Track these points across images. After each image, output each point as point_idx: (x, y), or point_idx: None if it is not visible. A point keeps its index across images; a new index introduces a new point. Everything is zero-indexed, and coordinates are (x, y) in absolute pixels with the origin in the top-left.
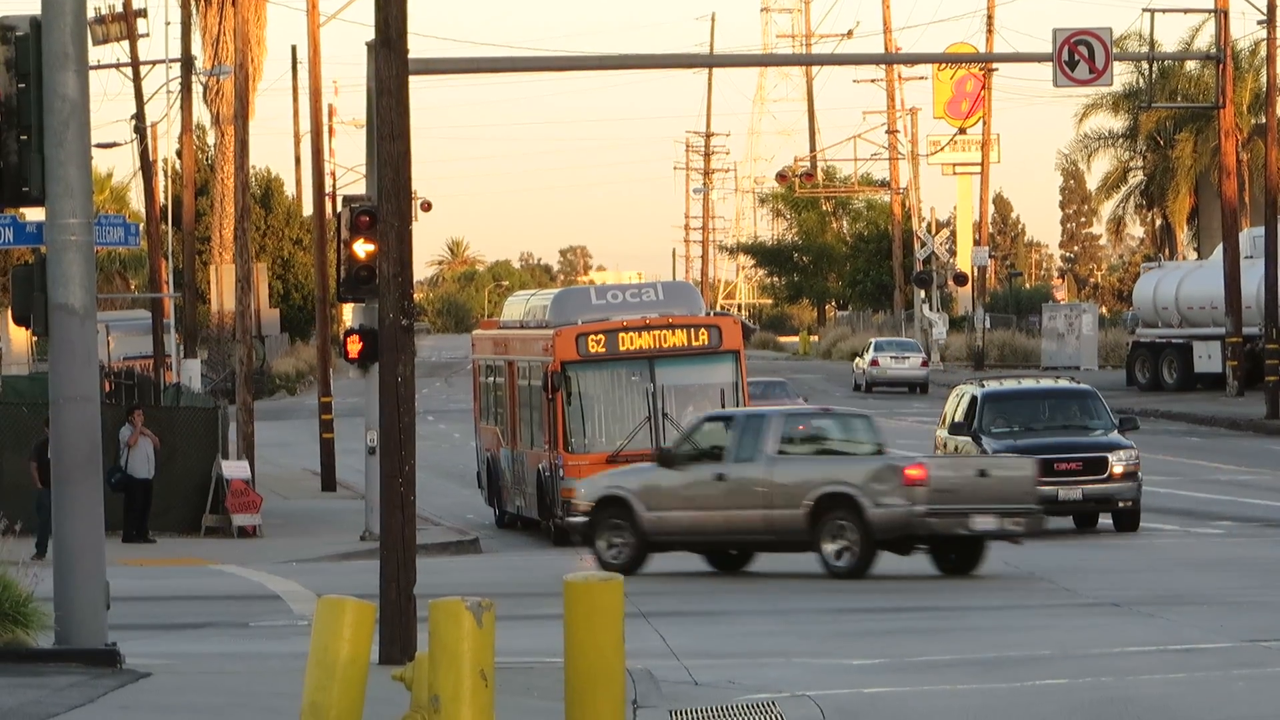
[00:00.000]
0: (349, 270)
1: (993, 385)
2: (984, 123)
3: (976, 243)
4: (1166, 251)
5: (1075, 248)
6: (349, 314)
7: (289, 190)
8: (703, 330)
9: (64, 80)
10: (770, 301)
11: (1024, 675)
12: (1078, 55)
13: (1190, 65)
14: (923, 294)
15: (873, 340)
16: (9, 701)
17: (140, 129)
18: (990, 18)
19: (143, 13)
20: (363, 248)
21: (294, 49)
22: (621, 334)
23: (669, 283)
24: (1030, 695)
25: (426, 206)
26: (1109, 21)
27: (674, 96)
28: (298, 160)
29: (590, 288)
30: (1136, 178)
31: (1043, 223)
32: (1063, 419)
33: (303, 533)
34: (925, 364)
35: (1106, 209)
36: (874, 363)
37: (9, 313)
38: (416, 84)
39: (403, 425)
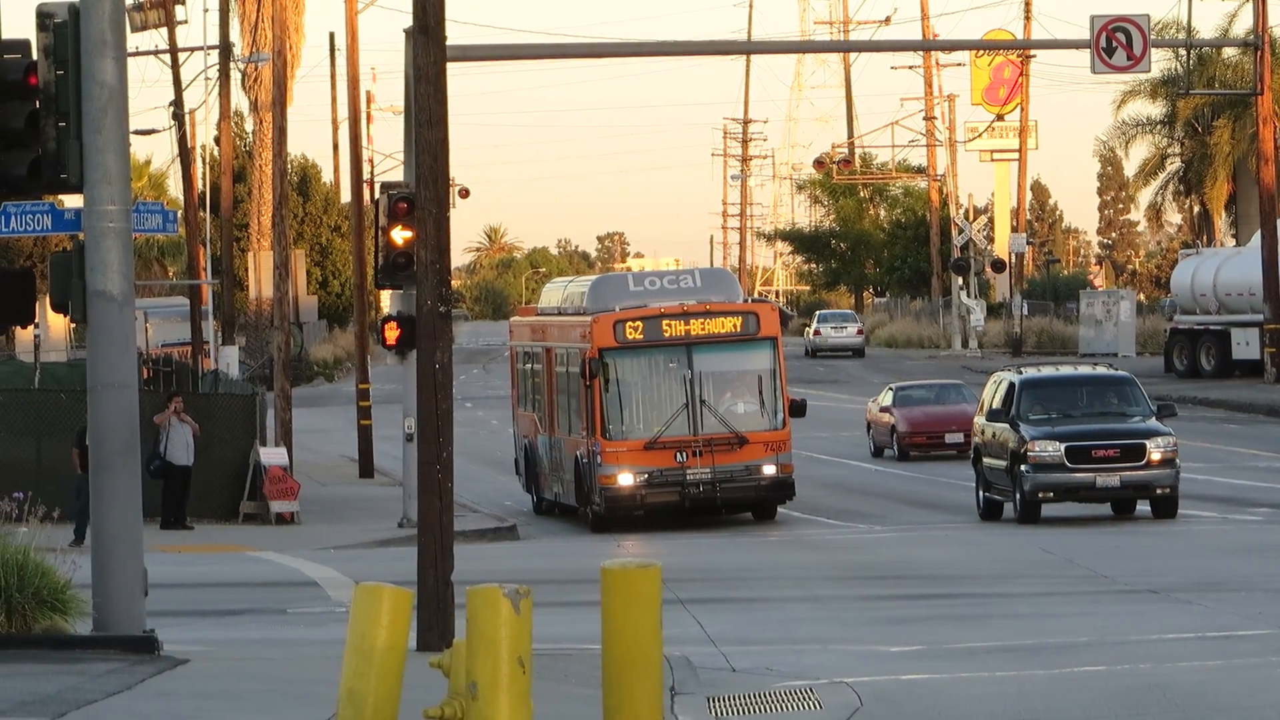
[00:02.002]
0: (387, 257)
1: (1030, 372)
2: (1022, 109)
3: (1014, 229)
4: (1204, 238)
5: (1113, 234)
6: (387, 301)
7: (327, 177)
8: (740, 317)
9: (102, 67)
10: (808, 288)
11: (1062, 662)
12: (1116, 42)
13: (1228, 52)
14: (960, 280)
15: (817, 313)
16: (48, 688)
17: (178, 116)
18: (1028, 4)
19: None
20: (400, 234)
21: (332, 36)
22: (659, 320)
23: (707, 269)
24: (1068, 682)
25: (464, 193)
26: (1147, 8)
27: (712, 83)
28: (336, 147)
29: (628, 274)
30: (1174, 164)
31: (1081, 209)
32: (1100, 406)
33: (340, 519)
34: (860, 332)
35: (1144, 196)
36: (816, 332)
37: (48, 299)
38: (454, 71)
39: (440, 412)
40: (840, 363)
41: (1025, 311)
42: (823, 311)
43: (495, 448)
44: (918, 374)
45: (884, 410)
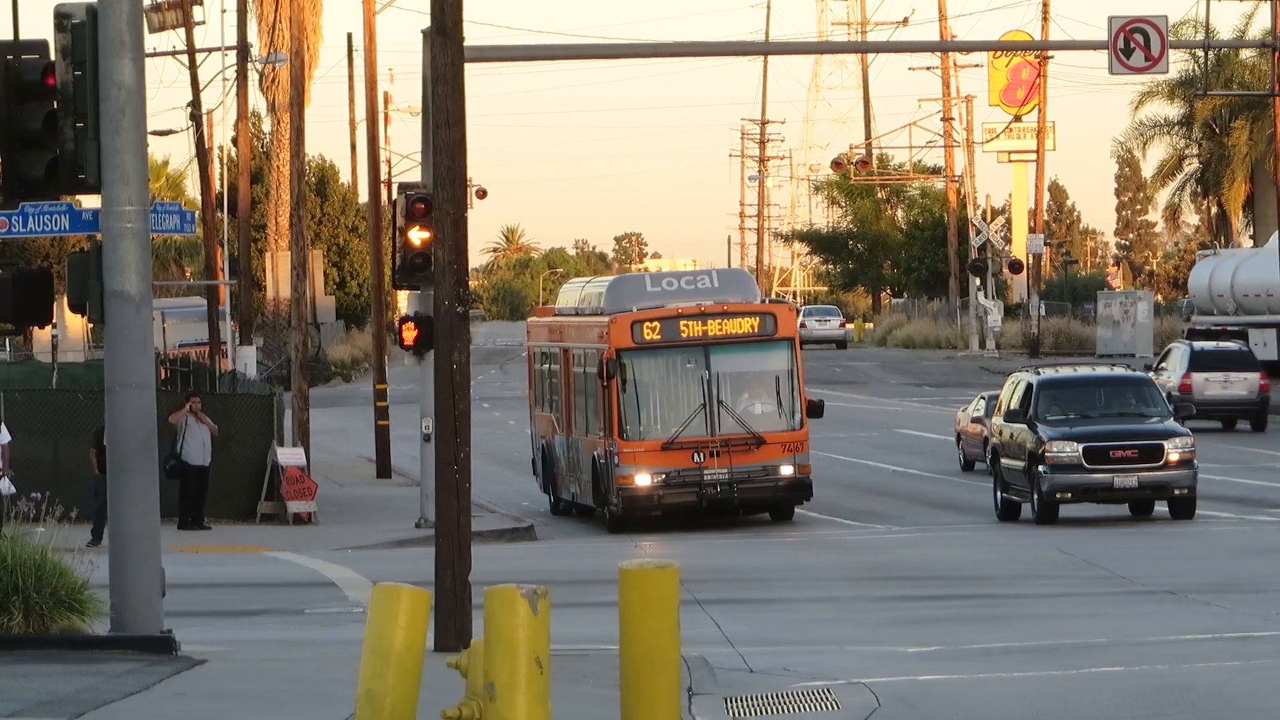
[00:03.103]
0: (404, 257)
1: (1048, 373)
2: (1039, 110)
3: (1032, 230)
4: (1222, 239)
5: (1131, 235)
6: (404, 301)
7: (345, 178)
8: (758, 317)
9: (120, 68)
10: (825, 289)
11: (1079, 663)
12: (1133, 43)
13: (1246, 52)
14: (978, 281)
15: (801, 307)
16: (66, 688)
17: (196, 116)
18: (1046, 5)
19: (199, 0)
20: (418, 235)
21: (349, 36)
22: (677, 321)
23: (724, 270)
24: (1085, 683)
25: (482, 194)
26: (1165, 8)
27: (730, 84)
28: (353, 148)
29: (645, 275)
30: (1192, 165)
31: (1098, 210)
32: (1118, 406)
33: (358, 520)
34: (843, 325)
35: (1162, 196)
36: (802, 325)
37: (65, 300)
38: (472, 71)
39: (458, 412)
40: (858, 364)
41: (1042, 312)
42: (808, 306)
43: (513, 448)
44: (935, 375)
45: (976, 421)
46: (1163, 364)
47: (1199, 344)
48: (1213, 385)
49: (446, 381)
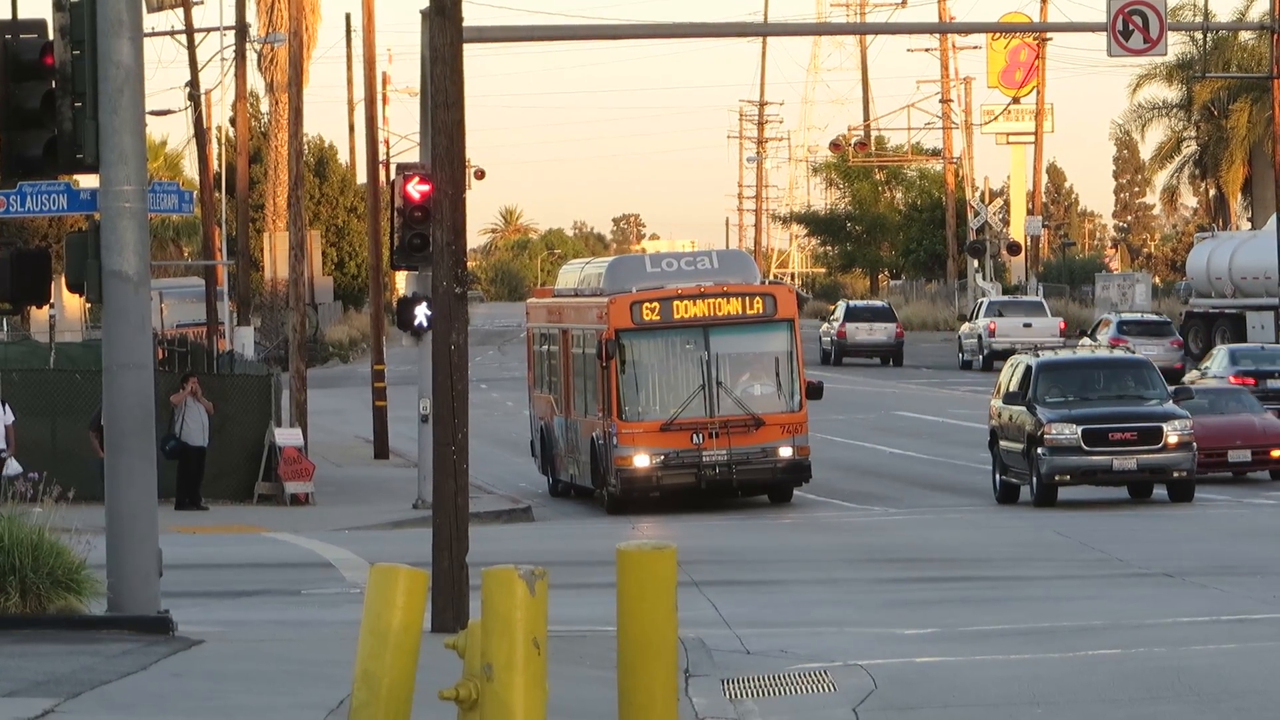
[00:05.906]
0: (403, 238)
1: (1047, 355)
2: (1038, 92)
3: (1030, 212)
4: (1220, 222)
5: (1129, 217)
6: (402, 282)
7: (343, 158)
8: (757, 299)
9: (118, 47)
10: (823, 270)
11: (1077, 645)
12: (1132, 25)
13: (1245, 35)
14: (976, 263)
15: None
16: (62, 668)
17: (194, 96)
18: None
19: None
20: (416, 215)
21: (348, 16)
22: (676, 302)
23: (724, 251)
24: (1083, 665)
25: (480, 174)
26: None
27: (728, 65)
28: (352, 128)
29: (645, 256)
30: (1190, 148)
31: (1096, 192)
32: (1117, 389)
33: (355, 500)
34: None
35: (1160, 179)
36: None
37: (63, 280)
38: (470, 52)
39: (456, 393)
40: None
41: (1040, 294)
42: None
43: (511, 429)
44: (933, 357)
45: None
46: (833, 316)
47: (853, 302)
48: (861, 332)
49: (444, 362)
